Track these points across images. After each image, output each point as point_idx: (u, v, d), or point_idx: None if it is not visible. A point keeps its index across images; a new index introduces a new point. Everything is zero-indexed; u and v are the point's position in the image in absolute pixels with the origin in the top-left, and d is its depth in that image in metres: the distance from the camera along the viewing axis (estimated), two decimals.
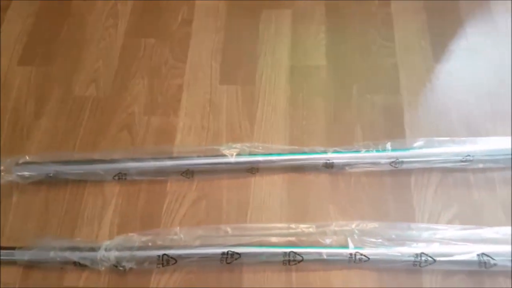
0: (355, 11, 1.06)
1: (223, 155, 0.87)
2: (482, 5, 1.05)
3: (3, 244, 0.83)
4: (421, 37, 1.01)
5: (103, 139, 0.94)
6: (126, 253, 0.78)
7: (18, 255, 0.79)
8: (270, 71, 1.00)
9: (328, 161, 0.85)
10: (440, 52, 0.99)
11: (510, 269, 0.72)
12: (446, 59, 0.98)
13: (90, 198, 0.88)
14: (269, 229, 0.80)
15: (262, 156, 0.87)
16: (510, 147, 0.83)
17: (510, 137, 0.84)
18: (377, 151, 0.85)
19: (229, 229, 0.80)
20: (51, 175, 0.87)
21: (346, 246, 0.75)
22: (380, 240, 0.75)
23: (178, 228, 0.81)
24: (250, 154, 0.87)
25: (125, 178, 0.88)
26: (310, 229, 0.77)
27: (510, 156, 0.82)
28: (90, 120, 0.96)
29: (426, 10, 1.05)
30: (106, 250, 0.78)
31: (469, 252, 0.72)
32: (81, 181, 0.89)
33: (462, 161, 0.82)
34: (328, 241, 0.76)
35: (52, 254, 0.78)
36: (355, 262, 0.74)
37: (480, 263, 0.72)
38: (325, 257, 0.75)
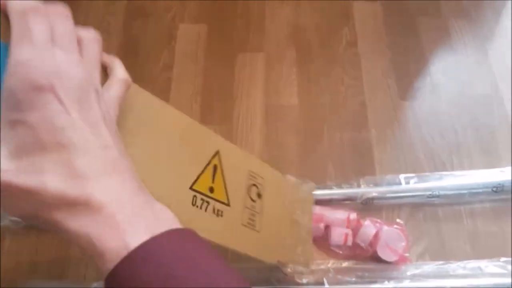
0: (324, 53, 1.11)
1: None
2: (444, 42, 1.12)
3: None
4: (387, 75, 1.07)
5: None
6: None
7: None
8: (246, 111, 1.03)
9: None
10: (406, 90, 1.05)
11: None
12: (411, 96, 1.04)
13: None
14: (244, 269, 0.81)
15: None
16: (473, 181, 0.87)
17: (473, 171, 0.89)
18: (349, 188, 0.88)
19: None
20: None
21: (322, 284, 0.77)
22: (354, 279, 0.78)
23: None
24: None
25: None
26: (288, 269, 0.78)
27: (475, 191, 0.86)
28: None
29: (391, 49, 1.11)
30: None
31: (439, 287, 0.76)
32: None
33: (429, 197, 0.86)
34: (305, 280, 0.78)
35: None
36: None
37: None
38: None
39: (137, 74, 1.09)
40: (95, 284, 0.80)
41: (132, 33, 1.16)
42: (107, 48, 1.15)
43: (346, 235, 0.81)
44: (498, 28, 1.15)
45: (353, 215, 0.83)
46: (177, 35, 1.16)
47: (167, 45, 1.14)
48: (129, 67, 1.10)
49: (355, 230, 0.82)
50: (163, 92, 1.07)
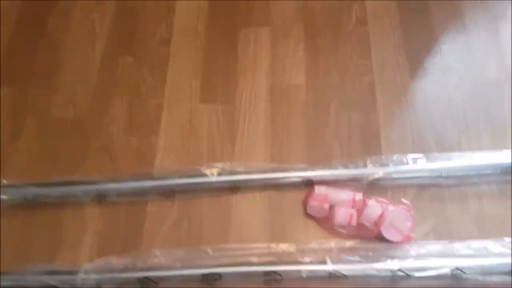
0: (333, 29, 1.08)
1: (204, 175, 0.87)
2: (456, 23, 1.08)
3: None
4: (398, 54, 1.03)
5: (82, 161, 0.93)
6: (106, 276, 0.77)
7: None
8: (250, 90, 1.01)
9: (307, 179, 0.86)
10: (416, 69, 1.01)
11: (480, 282, 0.74)
12: (421, 76, 1.01)
13: (70, 221, 0.87)
14: (249, 249, 0.80)
15: (242, 175, 0.87)
16: (483, 162, 0.85)
17: (482, 153, 0.86)
18: (355, 168, 0.86)
19: (209, 250, 0.80)
20: (30, 198, 0.86)
21: (325, 263, 0.76)
22: (357, 258, 0.76)
23: (158, 250, 0.81)
24: (231, 173, 0.87)
25: (105, 200, 0.87)
26: (290, 248, 0.77)
27: (483, 172, 0.84)
28: (69, 142, 0.95)
29: (402, 28, 1.07)
30: (85, 273, 0.77)
31: (442, 267, 0.74)
32: (60, 204, 0.87)
33: (436, 178, 0.84)
34: (307, 259, 0.76)
35: (30, 278, 0.77)
36: (333, 279, 0.75)
37: (453, 277, 0.73)
38: (304, 275, 0.75)
39: (133, 46, 1.06)
40: (86, 265, 0.79)
41: (128, 4, 1.12)
42: (101, 18, 1.11)
43: (351, 215, 0.80)
44: (510, 8, 1.10)
45: (359, 195, 0.81)
46: (176, 8, 1.12)
47: (165, 17, 1.10)
48: (124, 38, 1.10)
49: (360, 210, 0.81)
50: (160, 67, 1.04)
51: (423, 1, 1.11)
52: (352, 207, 0.81)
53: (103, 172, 0.91)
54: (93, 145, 0.95)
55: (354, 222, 0.79)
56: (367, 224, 0.80)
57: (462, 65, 1.02)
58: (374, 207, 0.79)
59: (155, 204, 0.88)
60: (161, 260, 0.79)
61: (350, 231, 0.80)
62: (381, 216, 0.79)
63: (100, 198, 0.87)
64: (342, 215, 0.80)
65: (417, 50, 1.04)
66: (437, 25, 1.08)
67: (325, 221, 0.82)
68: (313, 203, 0.82)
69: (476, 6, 1.10)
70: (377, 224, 0.79)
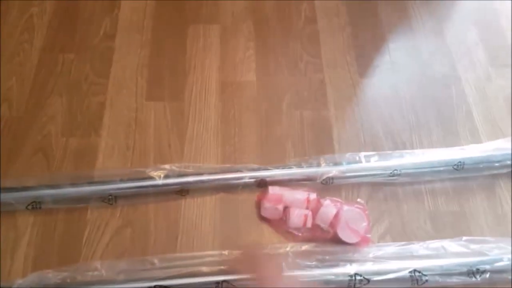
0: (283, 27, 1.06)
1: (150, 178, 0.81)
2: (403, 23, 1.10)
3: None
4: (347, 52, 1.03)
5: (15, 164, 0.85)
6: None
7: None
8: (200, 87, 0.96)
9: (260, 179, 0.83)
10: (365, 67, 1.02)
11: (440, 285, 0.73)
12: (371, 74, 1.01)
13: (1, 230, 0.79)
14: (200, 257, 0.75)
15: (192, 177, 0.82)
16: (435, 159, 0.85)
17: (434, 149, 0.87)
18: (309, 167, 0.84)
19: (156, 261, 0.74)
20: None
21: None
22: (314, 262, 0.74)
23: (99, 262, 0.75)
24: (180, 175, 0.82)
25: (40, 207, 0.80)
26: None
27: (436, 169, 0.85)
28: (1, 143, 0.87)
29: (351, 26, 1.07)
30: None
31: (401, 269, 0.73)
32: None
33: (390, 176, 0.83)
34: None
35: None
36: None
37: (413, 280, 0.72)
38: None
39: (75, 42, 1.00)
40: (19, 281, 0.72)
41: None
42: (40, 12, 1.03)
43: (306, 216, 0.77)
44: (455, 9, 1.14)
45: (313, 195, 0.79)
46: (121, 3, 1.07)
47: (110, 13, 1.05)
48: (65, 34, 1.02)
49: (315, 211, 0.78)
50: (103, 63, 0.98)
51: (372, 1, 1.12)
52: (307, 208, 0.78)
53: (38, 176, 0.83)
54: (28, 147, 0.87)
55: (309, 224, 0.77)
56: (322, 225, 0.78)
57: (410, 63, 1.03)
58: (329, 206, 0.78)
59: (95, 211, 0.81)
60: (102, 273, 0.73)
61: (306, 233, 0.78)
62: (336, 216, 0.77)
63: (35, 205, 0.79)
64: (297, 216, 0.78)
65: (366, 49, 1.05)
66: (385, 24, 1.09)
67: (279, 224, 0.79)
68: (267, 204, 0.79)
69: (422, 6, 1.12)
70: (332, 225, 0.77)
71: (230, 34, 1.04)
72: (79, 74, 0.96)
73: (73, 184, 0.80)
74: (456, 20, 1.11)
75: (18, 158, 0.86)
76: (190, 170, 0.84)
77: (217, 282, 0.71)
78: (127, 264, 0.74)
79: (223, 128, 0.92)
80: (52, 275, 0.72)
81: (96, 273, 0.73)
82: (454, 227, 0.82)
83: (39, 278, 0.72)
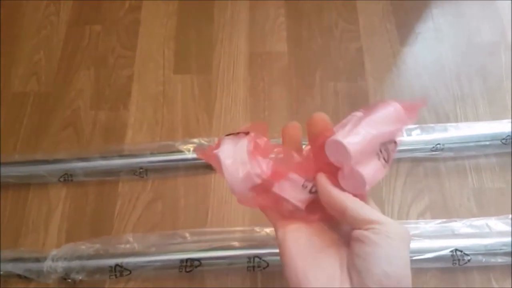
0: None
1: (179, 151, 0.80)
2: None
3: None
4: (386, 19, 0.96)
5: (46, 138, 0.85)
6: (75, 264, 0.71)
7: None
8: (228, 59, 0.93)
9: None
10: (406, 35, 0.95)
11: (483, 264, 0.69)
12: (412, 42, 0.94)
13: (35, 203, 0.79)
14: (231, 233, 0.74)
15: None
16: (481, 133, 0.79)
17: (480, 123, 0.81)
18: None
19: (187, 234, 0.74)
20: None
21: None
22: None
23: (131, 234, 0.74)
24: None
25: (71, 180, 0.80)
26: None
27: (482, 143, 0.79)
28: (32, 118, 0.87)
29: None
30: (53, 260, 0.70)
31: (442, 248, 0.69)
32: (23, 185, 0.80)
33: (432, 150, 0.78)
34: None
35: None
36: None
37: (454, 260, 0.69)
38: None
39: (101, 14, 0.98)
40: (54, 252, 0.72)
41: None
42: None
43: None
44: None
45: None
46: None
47: None
48: (91, 9, 1.00)
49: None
50: (129, 35, 0.96)
51: None
52: None
53: (69, 149, 0.83)
54: (58, 121, 0.87)
55: None
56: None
57: (455, 29, 0.96)
58: None
59: (126, 184, 0.80)
60: (135, 246, 0.73)
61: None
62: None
63: (67, 177, 0.79)
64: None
65: (407, 15, 0.97)
66: None
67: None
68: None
69: None
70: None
71: (259, 1, 0.99)
72: (106, 47, 0.94)
73: (104, 157, 0.80)
74: None
75: (49, 132, 0.86)
76: None
77: (249, 257, 0.70)
78: (159, 238, 0.74)
79: (252, 101, 0.88)
80: (85, 247, 0.73)
81: (128, 245, 0.73)
82: (500, 205, 0.77)
83: (73, 250, 0.72)
